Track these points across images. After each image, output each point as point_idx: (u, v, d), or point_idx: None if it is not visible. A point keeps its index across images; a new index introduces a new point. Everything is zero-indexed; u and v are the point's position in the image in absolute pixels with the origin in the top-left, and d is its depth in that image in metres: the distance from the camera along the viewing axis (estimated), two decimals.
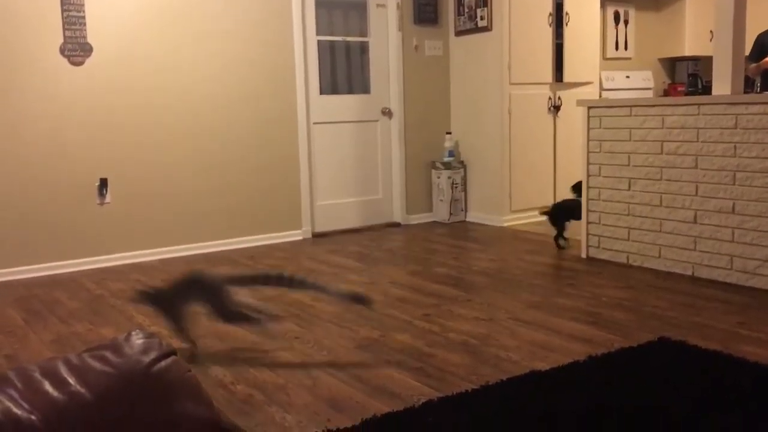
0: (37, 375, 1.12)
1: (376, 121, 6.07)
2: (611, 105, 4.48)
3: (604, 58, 7.05)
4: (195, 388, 1.22)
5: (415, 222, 6.27)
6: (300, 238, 5.67)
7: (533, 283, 4.11)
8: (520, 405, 2.44)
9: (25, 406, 1.06)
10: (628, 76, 7.18)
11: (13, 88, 4.51)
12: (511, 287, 4.06)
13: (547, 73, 6.11)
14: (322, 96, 5.77)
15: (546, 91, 6.14)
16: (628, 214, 4.44)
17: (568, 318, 3.45)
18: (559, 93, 6.21)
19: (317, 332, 3.36)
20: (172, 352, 1.25)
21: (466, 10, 6.04)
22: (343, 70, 5.94)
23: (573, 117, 6.26)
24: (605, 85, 6.95)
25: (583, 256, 4.72)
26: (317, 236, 5.74)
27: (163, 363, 1.20)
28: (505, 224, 6.00)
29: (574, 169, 6.27)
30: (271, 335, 3.29)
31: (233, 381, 2.79)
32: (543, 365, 2.84)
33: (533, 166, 6.13)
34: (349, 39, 5.91)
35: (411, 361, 2.94)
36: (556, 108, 6.20)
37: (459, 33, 6.15)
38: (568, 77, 6.19)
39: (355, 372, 2.85)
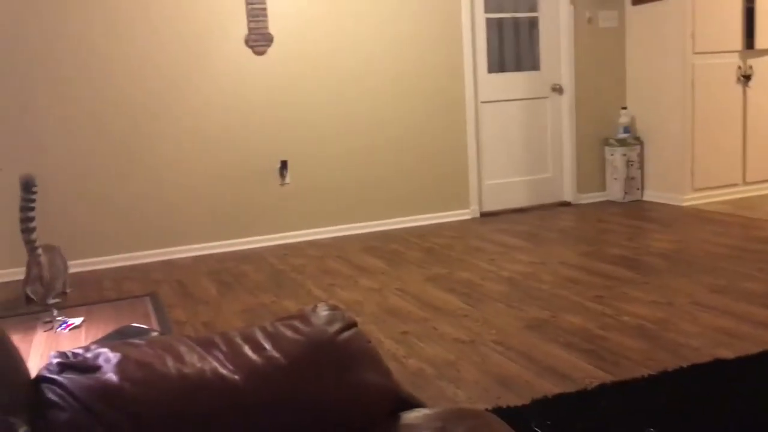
0: (239, 340, 1.25)
1: (546, 98, 5.93)
2: None
3: None
4: (375, 358, 1.29)
5: (587, 201, 6.07)
6: (468, 217, 5.70)
7: (717, 266, 3.85)
8: (702, 395, 2.32)
9: (230, 366, 1.19)
10: None
11: (203, 78, 4.92)
12: (692, 270, 3.83)
13: (737, 40, 5.62)
14: (491, 74, 5.72)
15: (735, 60, 5.66)
16: None
17: (758, 304, 3.20)
18: (750, 61, 5.70)
19: (486, 311, 3.39)
20: (354, 324, 1.33)
21: None
22: (512, 47, 5.85)
23: (767, 87, 5.73)
24: None
25: None
26: (485, 215, 5.74)
27: (346, 333, 1.29)
28: (686, 203, 5.64)
29: (767, 145, 5.76)
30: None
31: (405, 355, 2.89)
32: (728, 353, 2.67)
33: (719, 141, 5.69)
34: (518, 15, 5.80)
35: (582, 343, 2.88)
36: (746, 77, 5.70)
37: (637, 1, 5.82)
38: (760, 43, 5.66)
39: (525, 351, 2.84)
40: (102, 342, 1.42)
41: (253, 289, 4.04)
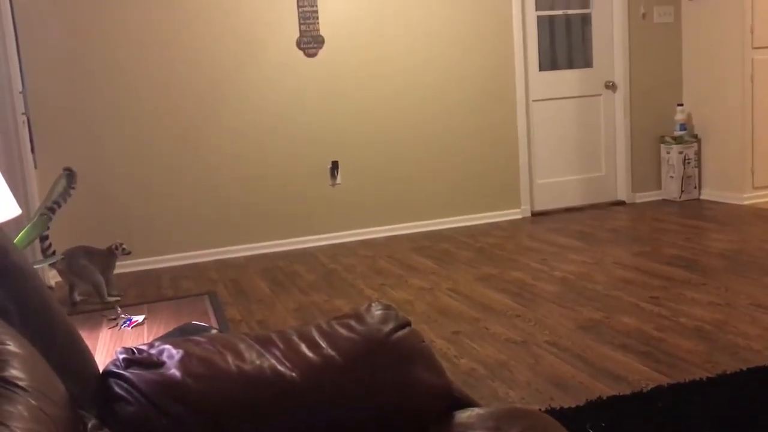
0: (295, 338, 1.29)
1: (599, 95, 5.84)
2: None
3: None
4: (429, 357, 1.31)
5: (642, 200, 5.95)
6: (519, 216, 5.66)
7: None
8: (762, 399, 2.26)
9: (287, 364, 1.22)
10: None
11: (255, 80, 5.00)
12: (753, 271, 3.73)
13: None
14: (542, 72, 5.67)
15: None
16: None
17: None
18: None
19: (538, 311, 3.37)
20: (408, 323, 1.35)
21: None
22: (564, 44, 5.78)
23: None
24: None
25: None
26: (537, 215, 5.68)
27: (400, 332, 1.31)
28: (746, 202, 5.48)
29: None
30: None
31: (456, 355, 2.90)
32: None
33: None
34: (570, 12, 5.73)
35: (638, 345, 2.84)
36: None
37: None
38: None
39: (578, 352, 2.82)
40: (165, 339, 1.48)
41: (305, 288, 4.09)
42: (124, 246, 4.03)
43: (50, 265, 3.87)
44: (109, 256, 4.02)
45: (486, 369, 2.73)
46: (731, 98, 5.50)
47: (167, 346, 1.26)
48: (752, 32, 5.33)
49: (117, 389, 1.19)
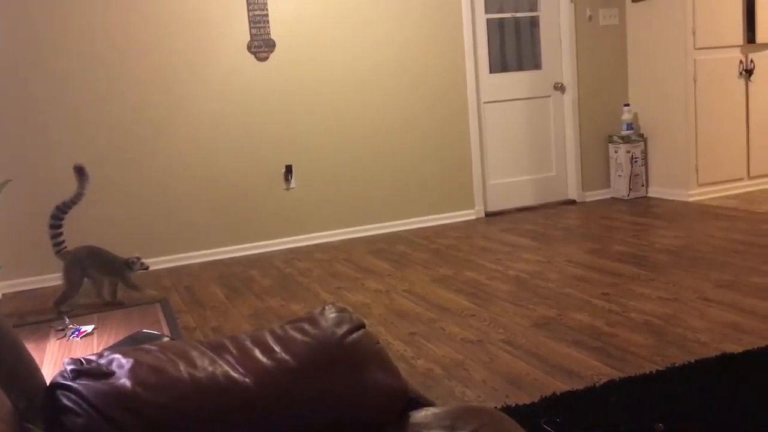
0: (249, 343, 1.27)
1: (548, 96, 5.94)
2: None
3: None
4: (384, 358, 1.31)
5: (592, 199, 6.08)
6: (473, 217, 5.71)
7: (724, 261, 3.86)
8: (710, 389, 2.33)
9: (241, 370, 1.21)
10: None
11: (206, 85, 4.94)
12: (698, 265, 3.83)
13: (738, 35, 5.62)
14: (493, 75, 5.74)
15: (736, 55, 5.66)
16: None
17: (765, 298, 3.21)
18: (751, 55, 5.70)
19: (493, 310, 3.40)
20: (362, 325, 1.35)
21: None
22: (513, 46, 5.86)
23: None
24: None
25: None
26: (490, 215, 5.75)
27: (355, 335, 1.31)
28: (692, 199, 5.64)
29: None
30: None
31: (413, 356, 2.91)
32: (735, 348, 2.67)
33: (723, 137, 5.69)
34: (518, 15, 5.81)
35: (590, 341, 2.89)
36: (749, 72, 5.70)
37: None
38: (762, 37, 5.66)
39: (533, 350, 2.86)
40: (115, 348, 1.45)
41: (260, 293, 4.06)
42: (142, 261, 3.98)
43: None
44: (123, 265, 3.95)
45: (442, 369, 2.75)
46: (675, 98, 5.65)
47: (117, 356, 1.23)
48: (694, 33, 5.49)
49: (65, 401, 1.16)
